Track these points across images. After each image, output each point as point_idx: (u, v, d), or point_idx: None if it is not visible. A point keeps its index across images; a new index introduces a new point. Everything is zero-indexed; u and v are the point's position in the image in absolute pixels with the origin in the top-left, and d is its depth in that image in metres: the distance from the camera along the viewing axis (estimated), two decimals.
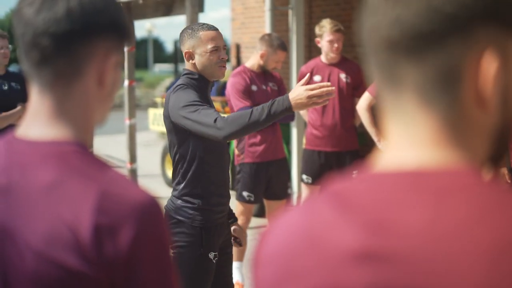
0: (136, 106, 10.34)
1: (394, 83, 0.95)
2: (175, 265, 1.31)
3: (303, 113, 6.58)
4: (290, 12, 8.55)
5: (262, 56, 5.92)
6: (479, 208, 0.86)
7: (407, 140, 0.94)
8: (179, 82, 3.84)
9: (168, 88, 13.45)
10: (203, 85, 3.86)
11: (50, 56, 1.32)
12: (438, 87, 0.92)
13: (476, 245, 0.83)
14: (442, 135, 0.93)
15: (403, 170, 0.92)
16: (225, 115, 3.57)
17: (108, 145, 14.67)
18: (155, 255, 1.26)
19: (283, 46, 5.98)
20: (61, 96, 1.35)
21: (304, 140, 6.74)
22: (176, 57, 16.86)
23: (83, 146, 1.34)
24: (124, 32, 1.38)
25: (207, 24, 3.92)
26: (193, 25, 3.93)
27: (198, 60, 3.84)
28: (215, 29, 3.89)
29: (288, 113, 3.55)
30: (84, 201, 1.23)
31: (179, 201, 3.83)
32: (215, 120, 3.52)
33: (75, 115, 1.35)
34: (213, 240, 3.85)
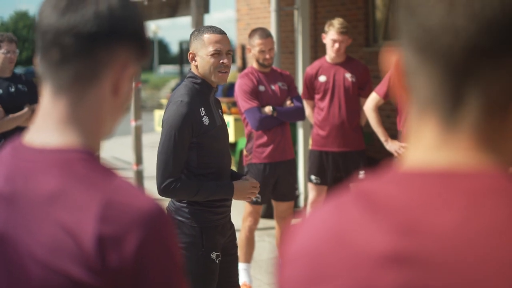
0: (142, 108, 10.34)
1: (454, 95, 0.90)
2: (184, 274, 1.29)
3: (308, 114, 6.56)
4: (295, 12, 8.54)
5: (249, 52, 5.91)
6: (511, 212, 0.84)
7: (442, 142, 0.92)
8: (181, 90, 3.84)
9: (173, 90, 13.45)
10: (205, 90, 3.87)
11: (71, 56, 1.31)
12: (503, 98, 0.89)
13: (507, 249, 0.82)
14: (476, 139, 0.91)
15: (433, 171, 0.90)
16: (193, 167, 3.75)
17: (114, 147, 14.68)
18: (161, 265, 1.23)
19: (262, 33, 5.90)
20: (75, 99, 1.33)
21: (310, 141, 6.73)
22: (181, 59, 16.86)
23: (90, 154, 1.32)
24: (145, 45, 1.37)
25: (215, 28, 3.93)
26: (202, 27, 3.96)
27: (199, 61, 3.86)
28: (222, 33, 3.90)
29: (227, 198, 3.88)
30: (88, 210, 1.21)
31: (178, 203, 3.85)
32: (168, 177, 3.71)
33: (86, 121, 1.34)
34: (214, 240, 3.85)
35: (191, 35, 3.94)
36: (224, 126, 3.96)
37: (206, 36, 3.84)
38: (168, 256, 1.24)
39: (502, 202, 0.85)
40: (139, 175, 9.84)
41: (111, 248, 1.19)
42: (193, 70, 3.90)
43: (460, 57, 0.88)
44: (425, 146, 0.93)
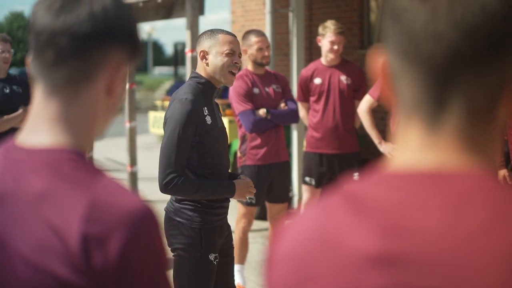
0: (136, 109, 10.34)
1: (438, 99, 0.92)
2: (169, 275, 1.29)
3: (303, 116, 6.57)
4: (290, 14, 8.55)
5: (245, 54, 5.88)
6: (498, 212, 0.85)
7: (428, 144, 0.93)
8: (185, 89, 3.86)
9: (168, 91, 13.44)
10: (209, 91, 3.91)
11: (65, 57, 1.32)
12: (487, 101, 0.91)
13: (493, 250, 0.82)
14: (461, 141, 0.92)
15: (420, 172, 0.91)
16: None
17: (108, 148, 14.66)
18: (146, 265, 1.23)
19: (257, 32, 5.95)
20: (68, 100, 1.34)
21: (304, 143, 6.74)
22: (176, 60, 16.87)
23: (80, 154, 1.32)
24: (138, 45, 1.38)
25: (227, 30, 4.04)
26: (212, 29, 4.03)
27: (211, 59, 3.90)
28: (234, 35, 4.03)
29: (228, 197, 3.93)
30: (74, 209, 1.22)
31: (178, 204, 3.85)
32: (170, 173, 3.73)
33: (78, 122, 1.35)
34: (213, 241, 3.85)
35: (203, 34, 4.00)
36: (224, 129, 4.00)
37: (222, 36, 3.93)
38: (153, 257, 1.24)
39: (487, 203, 0.86)
40: (133, 176, 9.83)
41: (96, 248, 1.19)
42: (199, 69, 3.94)
43: (442, 63, 0.89)
44: (411, 148, 0.94)
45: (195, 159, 3.80)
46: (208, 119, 3.82)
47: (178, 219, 3.83)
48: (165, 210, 3.93)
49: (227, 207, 3.98)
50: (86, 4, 1.31)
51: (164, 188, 3.77)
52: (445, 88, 0.91)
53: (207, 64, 3.91)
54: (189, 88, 3.87)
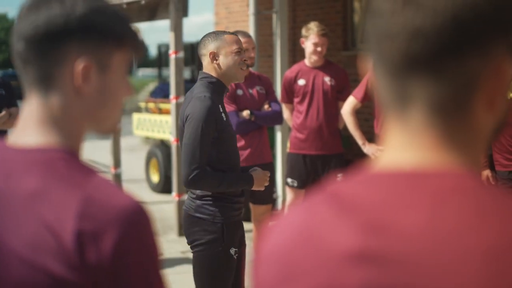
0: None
1: (402, 96, 0.95)
2: (162, 271, 1.30)
3: (287, 117, 6.59)
4: (274, 16, 8.56)
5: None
6: (476, 210, 0.86)
7: (407, 143, 0.95)
8: (200, 88, 3.97)
9: (152, 93, 13.40)
10: (219, 90, 4.02)
11: (26, 61, 1.34)
12: (453, 99, 0.93)
13: (472, 248, 0.84)
14: (436, 140, 0.94)
15: (401, 171, 0.92)
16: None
17: (92, 150, 14.62)
18: (140, 262, 1.25)
19: (244, 34, 5.92)
20: (43, 102, 1.36)
21: (288, 144, 6.76)
22: (159, 62, 16.81)
23: (70, 153, 1.34)
24: (99, 38, 1.36)
25: (229, 31, 4.18)
26: (214, 31, 4.16)
27: (222, 60, 4.02)
28: (236, 35, 4.17)
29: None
30: (67, 207, 1.23)
31: (199, 200, 3.95)
32: (195, 168, 3.81)
33: (61, 121, 1.36)
34: (233, 236, 3.97)
35: (207, 37, 4.10)
36: (232, 128, 4.12)
37: (227, 36, 4.07)
38: (146, 253, 1.26)
39: (466, 202, 0.87)
40: (117, 178, 9.81)
41: (89, 244, 1.21)
42: (209, 70, 4.04)
43: (398, 63, 0.93)
44: (393, 147, 0.96)
45: (214, 155, 3.91)
46: (224, 116, 3.95)
47: (200, 215, 3.93)
48: (184, 208, 4.06)
49: (242, 203, 4.10)
50: (44, 8, 1.33)
51: (189, 183, 3.87)
52: (406, 86, 0.93)
53: (218, 65, 4.02)
54: (203, 87, 3.98)
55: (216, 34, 4.11)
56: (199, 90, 3.97)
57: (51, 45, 1.33)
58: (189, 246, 4.03)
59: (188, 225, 3.99)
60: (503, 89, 0.94)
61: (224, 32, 4.13)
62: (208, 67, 4.05)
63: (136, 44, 1.41)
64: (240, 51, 4.05)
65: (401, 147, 0.95)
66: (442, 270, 0.84)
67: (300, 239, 0.94)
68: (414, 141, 0.94)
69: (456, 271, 0.83)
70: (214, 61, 4.02)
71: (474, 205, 0.87)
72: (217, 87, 4.01)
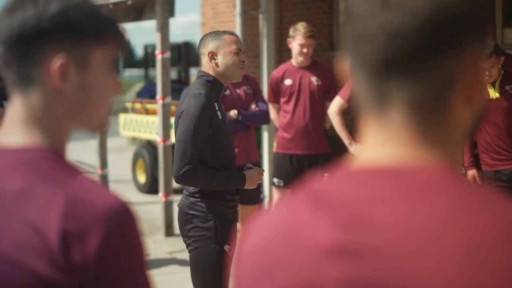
0: None
1: (381, 96, 0.96)
2: (148, 271, 1.30)
3: (274, 117, 6.59)
4: (260, 16, 8.57)
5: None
6: (453, 206, 0.88)
7: (385, 141, 0.97)
8: (196, 85, 4.01)
9: (139, 94, 13.37)
10: (217, 88, 4.07)
11: (6, 63, 1.35)
12: (431, 98, 0.94)
13: (448, 242, 0.85)
14: (414, 137, 0.95)
15: (379, 168, 0.94)
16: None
17: (79, 151, 14.58)
18: (125, 261, 1.25)
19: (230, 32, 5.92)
20: (25, 102, 1.36)
21: (275, 144, 6.76)
22: (146, 62, 16.80)
23: (55, 152, 1.33)
24: (77, 31, 1.35)
25: (229, 31, 4.23)
26: (215, 31, 4.22)
27: (220, 60, 4.06)
28: (237, 35, 4.22)
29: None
30: (52, 207, 1.23)
31: (192, 198, 3.98)
32: (185, 164, 3.84)
33: (44, 121, 1.35)
34: (227, 233, 3.99)
35: (206, 36, 4.17)
36: (229, 125, 4.17)
37: (227, 36, 4.12)
38: (131, 253, 1.26)
39: (443, 197, 0.89)
40: (104, 178, 9.79)
41: (74, 244, 1.21)
42: (207, 69, 4.09)
43: (377, 64, 0.94)
44: (371, 145, 0.98)
45: (208, 153, 3.94)
46: (219, 114, 3.97)
47: (193, 212, 3.96)
48: (178, 206, 4.08)
49: (237, 201, 4.14)
50: (19, 9, 1.33)
51: (179, 179, 3.90)
52: (384, 87, 0.95)
53: (216, 64, 4.06)
54: (200, 85, 4.02)
55: (216, 33, 4.16)
56: (195, 87, 4.01)
57: (27, 46, 1.33)
58: (184, 243, 4.06)
59: (182, 222, 4.02)
60: (479, 85, 0.97)
61: (224, 32, 4.18)
62: (206, 66, 4.10)
63: (118, 39, 1.40)
64: (239, 52, 4.10)
65: (380, 145, 0.97)
66: (418, 264, 0.85)
67: (280, 236, 0.96)
68: (392, 139, 0.96)
69: (431, 264, 0.85)
70: (213, 60, 4.07)
71: (449, 200, 0.89)
72: (214, 85, 4.05)
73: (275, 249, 0.96)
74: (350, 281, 0.88)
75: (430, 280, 0.84)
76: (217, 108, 3.97)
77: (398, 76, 0.94)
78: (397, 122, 0.96)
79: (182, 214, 4.03)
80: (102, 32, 1.37)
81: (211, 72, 4.07)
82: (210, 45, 4.09)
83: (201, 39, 4.20)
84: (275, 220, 0.99)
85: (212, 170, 3.92)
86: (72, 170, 1.31)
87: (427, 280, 0.85)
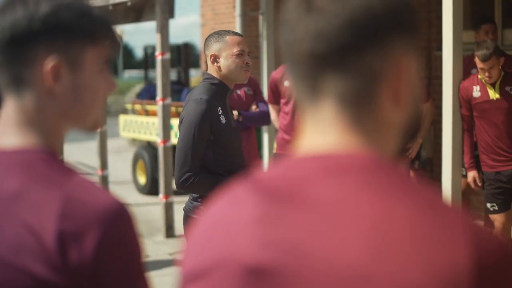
0: (106, 113, 10.29)
1: (314, 92, 1.04)
2: (145, 271, 1.30)
3: (274, 118, 6.59)
4: (260, 17, 8.56)
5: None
6: (374, 186, 0.96)
7: (319, 130, 1.04)
8: (200, 90, 3.95)
9: (138, 95, 13.37)
10: (222, 91, 3.99)
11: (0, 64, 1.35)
12: (358, 92, 1.02)
13: (360, 220, 0.93)
14: (352, 127, 1.03)
15: (313, 155, 1.02)
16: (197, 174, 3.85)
17: (79, 152, 14.58)
18: (121, 262, 1.25)
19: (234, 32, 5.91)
20: (18, 104, 1.36)
21: (275, 145, 6.75)
22: (146, 63, 16.78)
23: (50, 153, 1.33)
24: (68, 32, 1.35)
25: (233, 31, 4.12)
26: (218, 31, 4.11)
27: (223, 63, 3.97)
28: (241, 35, 4.10)
29: None
30: (48, 207, 1.23)
31: (196, 202, 3.97)
32: (186, 171, 3.82)
33: (37, 122, 1.35)
34: None
35: (210, 38, 4.06)
36: (236, 128, 4.10)
37: (229, 38, 4.00)
38: (127, 253, 1.26)
39: (365, 178, 0.97)
40: (104, 180, 9.79)
41: (71, 245, 1.21)
42: (212, 71, 4.01)
43: (307, 62, 1.02)
44: (307, 135, 1.06)
45: (211, 157, 3.90)
46: (223, 119, 3.91)
47: (195, 216, 3.93)
48: (184, 210, 4.07)
49: None
50: (10, 11, 1.33)
51: (180, 186, 3.89)
52: (316, 83, 1.03)
53: (219, 68, 3.98)
54: (203, 88, 3.95)
55: (219, 35, 4.06)
56: (197, 92, 3.95)
57: (18, 48, 1.33)
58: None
59: (187, 226, 4.01)
60: (406, 84, 1.03)
61: (227, 33, 4.07)
62: (211, 68, 4.03)
63: (110, 39, 1.40)
64: (242, 53, 3.99)
65: (315, 135, 1.04)
66: (328, 233, 0.94)
67: (217, 220, 1.05)
68: (325, 129, 1.03)
69: (340, 236, 0.93)
70: (215, 63, 3.98)
71: (371, 181, 0.97)
72: (219, 88, 3.98)
73: (210, 232, 1.05)
74: (266, 242, 0.97)
75: (333, 253, 0.92)
76: (220, 113, 3.90)
77: (327, 72, 1.01)
78: (329, 113, 1.03)
79: (186, 217, 4.02)
80: (94, 32, 1.37)
81: (215, 75, 3.99)
82: (212, 48, 4.00)
83: (205, 40, 4.12)
84: (216, 208, 1.08)
85: (214, 176, 3.88)
86: (68, 171, 1.31)
87: (331, 251, 0.93)
